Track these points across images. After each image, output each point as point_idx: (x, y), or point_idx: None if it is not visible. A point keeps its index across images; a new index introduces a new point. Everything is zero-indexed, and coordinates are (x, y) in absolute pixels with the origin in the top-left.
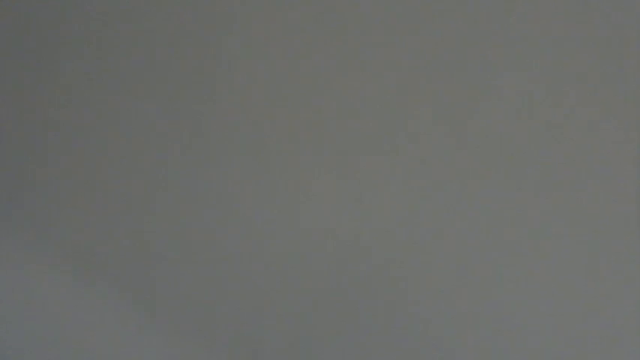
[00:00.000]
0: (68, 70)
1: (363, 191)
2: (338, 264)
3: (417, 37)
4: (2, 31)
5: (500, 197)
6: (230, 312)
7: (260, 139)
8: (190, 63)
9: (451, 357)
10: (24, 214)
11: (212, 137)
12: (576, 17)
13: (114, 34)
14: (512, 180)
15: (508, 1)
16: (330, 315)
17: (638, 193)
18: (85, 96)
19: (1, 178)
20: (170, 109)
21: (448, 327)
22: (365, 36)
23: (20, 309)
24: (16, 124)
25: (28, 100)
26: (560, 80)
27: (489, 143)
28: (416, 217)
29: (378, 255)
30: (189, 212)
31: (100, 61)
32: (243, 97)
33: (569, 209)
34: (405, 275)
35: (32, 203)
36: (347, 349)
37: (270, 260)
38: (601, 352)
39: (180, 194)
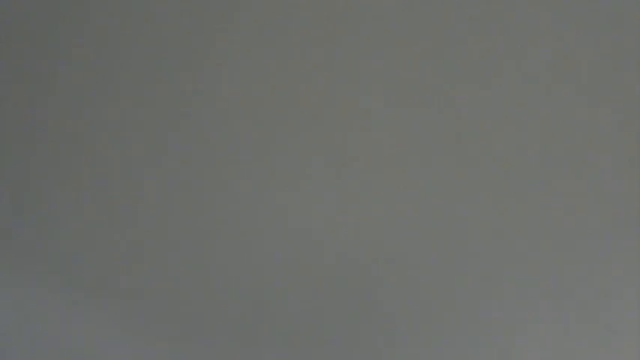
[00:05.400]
0: (67, 70)
1: (358, 192)
2: (334, 265)
3: (416, 37)
4: (2, 31)
5: (498, 198)
6: (227, 313)
7: (254, 140)
8: (186, 64)
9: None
10: (23, 220)
11: (206, 138)
12: (576, 17)
13: (112, 35)
14: (511, 180)
15: (508, 1)
16: (327, 316)
17: (638, 193)
18: (82, 97)
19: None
20: (166, 109)
21: (447, 328)
22: (363, 37)
23: (17, 321)
24: (14, 125)
25: (26, 102)
26: (560, 80)
27: (488, 144)
28: (413, 219)
29: (376, 255)
30: (184, 213)
31: (99, 62)
32: (239, 98)
33: (568, 210)
34: (403, 276)
35: (31, 207)
36: (343, 350)
37: (265, 262)
38: (601, 352)
39: (175, 195)
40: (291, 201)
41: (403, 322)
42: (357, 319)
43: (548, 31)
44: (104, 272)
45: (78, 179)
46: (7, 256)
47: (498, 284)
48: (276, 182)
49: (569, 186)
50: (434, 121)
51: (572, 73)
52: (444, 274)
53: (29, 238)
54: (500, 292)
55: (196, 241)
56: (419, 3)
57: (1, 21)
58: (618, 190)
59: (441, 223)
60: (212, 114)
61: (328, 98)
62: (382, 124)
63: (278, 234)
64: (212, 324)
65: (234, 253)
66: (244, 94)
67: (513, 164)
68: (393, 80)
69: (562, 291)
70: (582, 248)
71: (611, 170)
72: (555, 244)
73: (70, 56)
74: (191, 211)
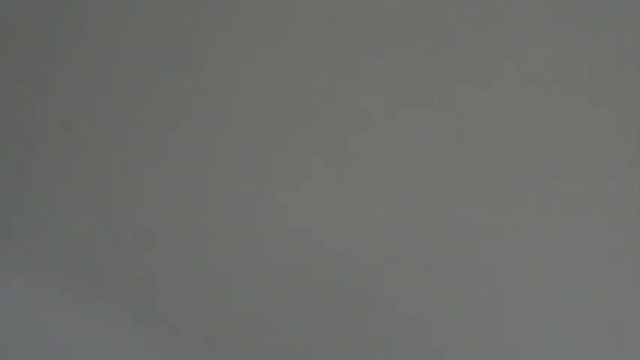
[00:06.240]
0: (67, 70)
1: (358, 192)
2: (334, 265)
3: (416, 37)
4: (2, 31)
5: (498, 198)
6: (227, 312)
7: (254, 140)
8: (186, 64)
9: None
10: (24, 220)
11: (206, 138)
12: (576, 17)
13: (112, 35)
14: (511, 180)
15: (508, 1)
16: (327, 316)
17: (638, 193)
18: (82, 97)
19: (1, 180)
20: (166, 109)
21: (446, 328)
22: (363, 37)
23: (18, 321)
24: (14, 125)
25: (26, 102)
26: (560, 80)
27: (488, 144)
28: (413, 219)
29: (376, 255)
30: (184, 213)
31: (99, 62)
32: (239, 98)
33: (568, 210)
34: (403, 276)
35: (31, 207)
36: (343, 350)
37: (265, 262)
38: (601, 351)
39: (175, 195)
40: (291, 201)
41: (403, 321)
42: (357, 319)
43: (548, 31)
44: (104, 272)
45: (78, 179)
46: (7, 255)
47: (498, 284)
48: (276, 182)
49: (569, 186)
50: (434, 121)
51: (572, 73)
52: (444, 274)
53: (29, 238)
54: (500, 292)
55: (196, 241)
56: (419, 3)
57: (1, 21)
58: (618, 190)
59: (441, 223)
60: (212, 114)
61: (328, 98)
62: (382, 124)
63: (278, 234)
64: (212, 324)
65: (234, 253)
66: (244, 94)
67: (513, 164)
68: (393, 80)
69: (562, 291)
70: (582, 248)
71: (611, 170)
72: (555, 244)
73: (70, 56)
74: (191, 211)
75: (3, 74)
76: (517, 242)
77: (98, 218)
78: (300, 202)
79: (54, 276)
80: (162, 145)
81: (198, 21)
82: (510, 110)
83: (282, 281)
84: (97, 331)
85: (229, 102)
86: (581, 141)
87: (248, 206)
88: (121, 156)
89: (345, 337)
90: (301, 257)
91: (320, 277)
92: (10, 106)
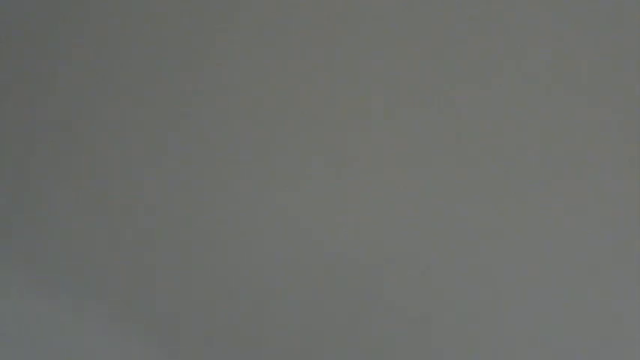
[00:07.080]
0: (67, 70)
1: (358, 192)
2: (334, 265)
3: (416, 37)
4: (2, 31)
5: (498, 198)
6: (227, 313)
7: (254, 140)
8: (186, 64)
9: None
10: (24, 220)
11: (206, 138)
12: (576, 17)
13: (112, 35)
14: (511, 180)
15: (508, 1)
16: (327, 316)
17: (638, 193)
18: (82, 97)
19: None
20: (166, 109)
21: (446, 328)
22: (363, 37)
23: (15, 323)
24: (14, 125)
25: (26, 102)
26: (560, 80)
27: (488, 144)
28: (413, 219)
29: (376, 255)
30: (184, 213)
31: (99, 62)
32: (239, 98)
33: (568, 210)
34: (403, 276)
35: (31, 207)
36: (343, 350)
37: (265, 262)
38: (601, 352)
39: (175, 195)
40: (291, 201)
41: (403, 321)
42: (357, 319)
43: (548, 31)
44: (104, 272)
45: (78, 179)
46: (7, 256)
47: (498, 284)
48: (276, 182)
49: (569, 186)
50: (434, 121)
51: (572, 73)
52: (444, 274)
53: (29, 238)
54: (500, 292)
55: (196, 241)
56: (419, 3)
57: (1, 21)
58: (618, 190)
59: (441, 223)
60: (212, 114)
61: (328, 98)
62: (382, 124)
63: (278, 234)
64: (212, 324)
65: (234, 253)
66: (244, 94)
67: (513, 164)
68: (393, 80)
69: (562, 291)
70: (582, 248)
71: (611, 170)
72: (555, 244)
73: (70, 56)
74: (191, 211)
75: (3, 74)
76: (517, 242)
77: (98, 218)
78: (300, 202)
79: (54, 276)
80: (162, 145)
81: (198, 21)
82: (510, 110)
83: (282, 281)
84: (97, 331)
85: (229, 102)
86: (581, 141)
87: (248, 206)
88: (121, 156)
89: (345, 337)
90: (301, 257)
91: (320, 277)
92: (10, 106)
